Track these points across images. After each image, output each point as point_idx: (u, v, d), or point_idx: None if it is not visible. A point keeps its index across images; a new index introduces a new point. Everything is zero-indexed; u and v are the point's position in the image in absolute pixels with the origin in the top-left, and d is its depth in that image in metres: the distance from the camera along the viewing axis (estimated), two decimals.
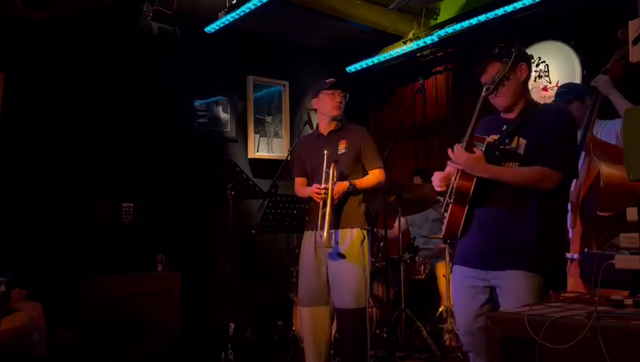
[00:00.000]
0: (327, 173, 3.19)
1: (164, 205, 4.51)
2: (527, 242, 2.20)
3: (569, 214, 2.80)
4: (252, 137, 5.33)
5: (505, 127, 2.34)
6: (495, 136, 2.32)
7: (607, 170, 2.73)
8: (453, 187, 2.28)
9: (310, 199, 3.28)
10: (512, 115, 2.37)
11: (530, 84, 4.48)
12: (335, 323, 3.49)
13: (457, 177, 2.25)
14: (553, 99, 3.55)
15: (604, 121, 3.18)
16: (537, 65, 4.54)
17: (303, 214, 3.37)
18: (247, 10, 4.48)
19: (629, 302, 1.60)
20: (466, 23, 4.72)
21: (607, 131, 3.13)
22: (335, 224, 3.23)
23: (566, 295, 2.15)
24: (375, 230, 4.48)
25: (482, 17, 4.57)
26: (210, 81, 5.12)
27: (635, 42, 1.69)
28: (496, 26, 4.60)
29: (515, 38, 4.60)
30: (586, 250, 2.71)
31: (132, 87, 4.61)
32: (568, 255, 2.70)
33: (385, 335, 4.17)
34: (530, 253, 2.19)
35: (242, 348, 4.21)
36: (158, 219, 4.42)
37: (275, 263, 4.62)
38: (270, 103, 5.50)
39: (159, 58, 4.69)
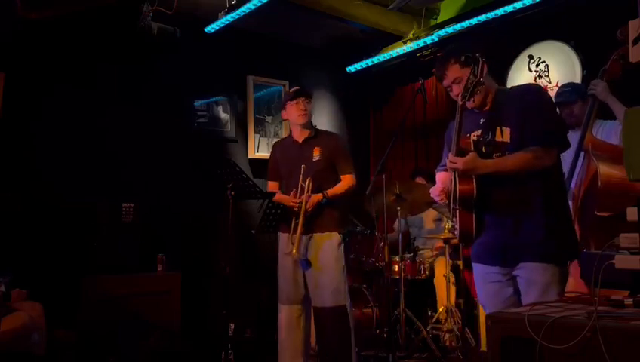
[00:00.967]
0: (303, 187, 3.40)
1: (164, 205, 4.51)
2: (539, 236, 2.22)
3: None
4: (252, 137, 5.33)
5: (482, 120, 2.36)
6: (477, 132, 2.33)
7: (605, 169, 2.73)
8: (455, 193, 2.29)
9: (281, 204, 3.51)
10: (485, 108, 2.38)
11: None
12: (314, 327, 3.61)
13: (457, 183, 2.26)
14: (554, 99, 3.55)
15: (604, 121, 3.18)
16: (537, 66, 4.54)
17: (288, 215, 3.52)
18: (247, 11, 4.47)
19: (629, 302, 1.60)
20: (466, 23, 4.72)
21: (607, 131, 3.13)
22: (312, 228, 3.44)
23: (566, 295, 2.16)
24: (375, 231, 4.51)
25: (482, 17, 4.57)
26: (210, 81, 5.12)
27: (635, 42, 1.69)
28: (496, 26, 4.60)
29: (515, 38, 4.64)
30: (585, 250, 2.71)
31: (132, 87, 4.61)
32: None
33: (385, 335, 4.18)
34: (544, 246, 2.20)
35: (242, 348, 4.21)
36: (158, 219, 4.42)
37: (275, 263, 4.61)
38: (270, 103, 5.50)
39: (159, 58, 4.69)
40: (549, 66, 4.47)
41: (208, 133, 5.07)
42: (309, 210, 3.38)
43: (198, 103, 5.05)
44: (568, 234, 2.31)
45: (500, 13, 4.46)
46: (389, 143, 3.71)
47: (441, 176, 2.56)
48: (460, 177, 2.24)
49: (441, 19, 5.25)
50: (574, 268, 2.64)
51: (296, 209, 3.38)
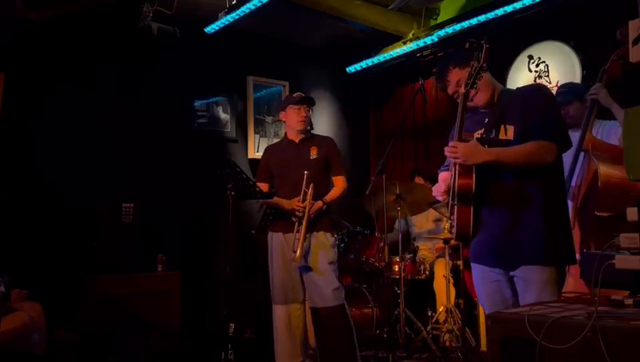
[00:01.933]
0: (305, 193, 3.47)
1: (164, 205, 4.51)
2: (536, 235, 2.21)
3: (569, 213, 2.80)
4: (252, 137, 5.33)
5: (487, 119, 2.35)
6: (481, 131, 2.33)
7: (605, 170, 2.74)
8: (454, 189, 2.28)
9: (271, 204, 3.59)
10: (490, 107, 2.38)
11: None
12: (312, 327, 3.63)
13: (456, 178, 2.24)
14: None
15: (604, 121, 3.18)
16: (537, 66, 4.54)
17: (281, 216, 3.60)
18: (247, 11, 4.47)
19: (629, 302, 1.60)
20: (466, 23, 4.72)
21: (606, 131, 3.13)
22: (310, 229, 3.48)
23: (566, 295, 2.16)
24: (375, 231, 4.52)
25: (482, 17, 4.57)
26: (210, 81, 5.12)
27: (635, 42, 1.69)
28: (496, 26, 4.60)
29: (515, 38, 4.64)
30: (584, 250, 2.71)
31: (132, 87, 4.61)
32: None
33: (385, 335, 4.18)
34: (541, 247, 2.20)
35: (242, 348, 4.21)
36: (158, 219, 4.42)
37: None
38: (270, 103, 5.50)
39: (159, 58, 4.70)
40: (549, 66, 4.47)
41: (208, 134, 5.07)
42: (311, 216, 3.45)
43: (198, 103, 5.05)
44: (566, 236, 2.29)
45: (499, 14, 4.46)
46: (389, 143, 3.72)
47: (443, 176, 2.55)
48: (460, 173, 2.22)
49: (441, 19, 5.25)
50: (574, 267, 2.64)
51: (299, 214, 3.43)
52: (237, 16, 4.56)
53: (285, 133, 3.80)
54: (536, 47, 4.55)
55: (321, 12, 4.79)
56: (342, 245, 4.47)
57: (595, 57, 3.43)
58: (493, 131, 2.31)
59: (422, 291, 4.66)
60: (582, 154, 2.92)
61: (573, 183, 2.95)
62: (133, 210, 4.07)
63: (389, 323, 3.97)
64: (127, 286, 3.87)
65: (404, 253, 4.55)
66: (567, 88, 3.35)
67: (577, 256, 2.62)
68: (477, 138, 2.29)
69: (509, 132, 2.28)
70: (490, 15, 4.51)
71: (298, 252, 3.38)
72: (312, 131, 3.77)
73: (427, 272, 4.66)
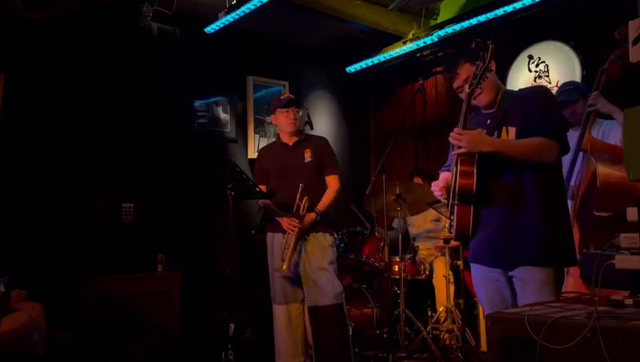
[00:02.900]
0: (299, 206, 3.48)
1: (164, 205, 4.51)
2: (535, 234, 2.21)
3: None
4: (252, 137, 5.33)
5: (489, 121, 2.35)
6: (482, 132, 2.33)
7: (603, 169, 2.74)
8: (454, 188, 2.28)
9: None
10: (492, 108, 2.39)
11: (530, 84, 4.50)
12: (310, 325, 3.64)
13: (457, 177, 2.24)
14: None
15: (603, 121, 3.18)
16: (537, 66, 4.54)
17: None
18: (247, 11, 4.47)
19: (629, 302, 1.60)
20: (465, 23, 4.72)
21: (606, 131, 3.13)
22: (307, 231, 3.49)
23: (566, 295, 2.16)
24: (375, 231, 4.51)
25: (482, 17, 4.57)
26: (210, 81, 5.12)
27: (635, 42, 1.69)
28: (496, 26, 4.60)
29: (515, 38, 4.64)
30: (584, 250, 2.71)
31: (132, 87, 4.61)
32: None
33: (385, 335, 4.18)
34: (541, 246, 2.20)
35: (242, 348, 4.21)
36: (158, 219, 4.42)
37: None
38: (270, 103, 5.47)
39: (159, 58, 4.69)
40: (549, 66, 4.47)
41: (208, 134, 5.07)
42: (304, 229, 3.45)
43: (198, 103, 5.05)
44: (566, 235, 2.29)
45: (499, 14, 4.46)
46: (389, 143, 3.72)
47: (444, 175, 2.55)
48: (461, 172, 2.22)
49: (441, 19, 5.25)
50: (574, 268, 2.65)
51: (292, 232, 3.43)
52: (237, 16, 4.56)
53: (278, 135, 3.79)
54: (536, 47, 4.55)
55: (321, 12, 4.79)
56: (342, 245, 4.47)
57: (595, 57, 3.43)
58: (495, 133, 2.31)
59: (422, 291, 4.66)
60: (581, 154, 2.92)
61: (572, 183, 2.95)
62: (133, 210, 4.07)
63: (389, 323, 3.97)
64: (127, 286, 3.87)
65: (404, 253, 4.55)
66: (572, 86, 3.34)
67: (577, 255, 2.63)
68: None
69: (510, 133, 2.29)
70: (490, 15, 4.51)
71: (285, 264, 3.40)
72: (305, 132, 3.76)
73: (427, 272, 4.66)
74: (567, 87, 3.32)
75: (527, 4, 4.28)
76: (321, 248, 3.51)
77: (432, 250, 4.88)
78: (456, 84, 2.41)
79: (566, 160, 2.83)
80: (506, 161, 2.23)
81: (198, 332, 4.50)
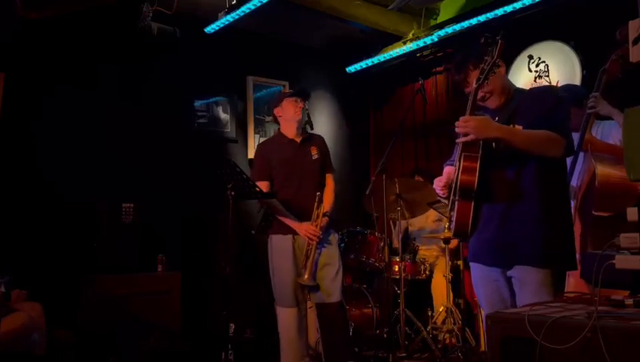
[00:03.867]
0: (317, 214, 3.47)
1: (164, 205, 4.51)
2: (535, 232, 2.20)
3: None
4: (252, 137, 5.33)
5: (497, 118, 2.34)
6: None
7: (602, 169, 2.74)
8: (456, 185, 2.27)
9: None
10: (501, 107, 2.38)
11: (530, 84, 4.50)
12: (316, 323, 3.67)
13: (459, 174, 2.23)
14: None
15: (603, 120, 3.18)
16: (537, 66, 4.54)
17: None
18: (247, 11, 4.47)
19: (630, 302, 1.60)
20: (465, 23, 4.72)
21: (606, 131, 3.13)
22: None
23: (566, 295, 2.15)
24: (375, 230, 4.51)
25: (482, 17, 4.57)
26: (210, 81, 5.12)
27: (635, 42, 1.69)
28: (496, 26, 4.60)
29: (515, 38, 4.63)
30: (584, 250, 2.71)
31: (132, 87, 4.61)
32: None
33: (385, 335, 4.17)
34: (540, 246, 2.19)
35: (242, 348, 4.21)
36: (158, 219, 4.42)
37: None
38: (270, 103, 5.48)
39: (159, 58, 4.69)
40: (549, 66, 4.47)
41: (208, 134, 5.07)
42: (320, 237, 3.45)
43: (198, 103, 5.05)
44: (566, 236, 2.28)
45: (499, 14, 4.46)
46: (389, 143, 3.72)
47: (447, 170, 2.53)
48: (463, 168, 2.20)
49: (441, 19, 5.25)
50: None
51: (314, 241, 3.42)
52: (237, 16, 4.56)
53: (279, 130, 3.73)
54: (536, 47, 4.55)
55: (321, 12, 4.79)
56: (342, 245, 4.47)
57: (595, 57, 3.43)
58: None
59: (422, 291, 4.66)
60: (582, 154, 2.92)
61: (573, 183, 2.95)
62: (133, 210, 4.07)
63: (389, 323, 3.97)
64: (127, 286, 3.87)
65: (404, 253, 4.55)
66: (567, 93, 3.34)
67: (578, 255, 2.63)
68: None
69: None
70: (490, 15, 4.51)
71: (307, 274, 3.39)
72: (306, 129, 3.74)
73: (427, 272, 4.66)
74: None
75: (527, 4, 4.28)
76: (331, 245, 3.52)
77: (432, 250, 4.88)
78: (467, 90, 2.38)
79: (567, 160, 2.83)
80: (509, 155, 2.22)
81: (198, 332, 4.50)
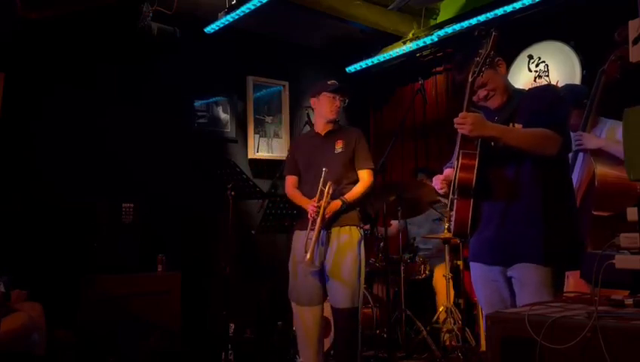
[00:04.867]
0: (322, 191, 3.24)
1: (164, 205, 4.50)
2: (535, 232, 2.20)
3: None
4: (252, 137, 5.33)
5: (496, 118, 2.34)
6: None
7: (601, 169, 2.74)
8: (454, 183, 2.27)
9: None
10: (502, 106, 2.37)
11: (530, 84, 4.50)
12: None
13: (457, 171, 2.23)
14: None
15: (604, 119, 3.17)
16: (537, 66, 4.54)
17: (305, 213, 3.37)
18: (247, 11, 4.48)
19: (630, 302, 1.59)
20: (465, 23, 4.72)
21: (605, 131, 3.13)
22: (330, 223, 3.29)
23: (566, 295, 2.15)
24: (375, 230, 4.51)
25: (482, 17, 4.57)
26: (210, 81, 5.12)
27: (635, 42, 1.69)
28: (496, 26, 4.59)
29: (515, 38, 4.64)
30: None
31: (132, 87, 4.61)
32: None
33: (385, 335, 4.18)
34: (540, 245, 2.19)
35: (242, 348, 4.21)
36: (158, 219, 4.42)
37: (276, 263, 4.61)
38: (270, 103, 5.50)
39: (159, 58, 4.69)
40: (549, 66, 4.47)
41: (208, 134, 5.07)
42: (326, 217, 3.24)
43: (198, 103, 5.05)
44: (567, 235, 2.25)
45: (499, 13, 4.46)
46: (389, 143, 3.72)
47: (447, 172, 2.53)
48: (462, 166, 2.20)
49: (440, 19, 5.26)
50: None
51: (313, 216, 3.23)
52: (237, 16, 4.56)
53: (313, 125, 3.59)
54: (536, 47, 4.55)
55: (321, 12, 4.79)
56: None
57: (595, 57, 3.42)
58: None
59: (422, 291, 4.66)
60: (581, 154, 2.92)
61: (574, 183, 2.95)
62: (133, 210, 4.07)
63: (389, 323, 3.97)
64: (127, 286, 3.87)
65: (403, 253, 4.55)
66: (568, 92, 3.33)
67: None
68: None
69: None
70: (490, 15, 4.51)
71: (309, 254, 3.18)
72: (340, 123, 3.55)
73: (427, 272, 4.66)
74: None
75: (527, 4, 4.28)
76: (348, 247, 3.29)
77: (431, 250, 4.88)
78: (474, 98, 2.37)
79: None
80: (507, 154, 2.22)
81: (198, 332, 4.50)
